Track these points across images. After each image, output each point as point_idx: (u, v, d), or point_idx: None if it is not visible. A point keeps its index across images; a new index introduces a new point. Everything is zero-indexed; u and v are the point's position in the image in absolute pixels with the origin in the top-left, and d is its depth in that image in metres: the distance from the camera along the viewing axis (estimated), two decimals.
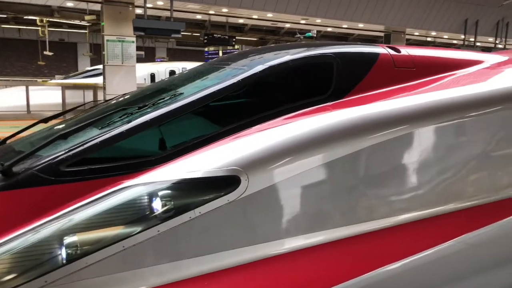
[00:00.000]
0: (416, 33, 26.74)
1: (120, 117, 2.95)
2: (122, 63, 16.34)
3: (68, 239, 2.03)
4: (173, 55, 36.32)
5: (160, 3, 16.92)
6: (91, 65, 27.84)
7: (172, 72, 27.06)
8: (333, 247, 2.33)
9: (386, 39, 25.18)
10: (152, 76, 26.68)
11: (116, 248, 1.99)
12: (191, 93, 3.02)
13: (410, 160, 2.60)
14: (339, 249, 2.34)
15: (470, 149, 2.81)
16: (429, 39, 28.87)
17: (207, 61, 4.15)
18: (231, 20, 25.63)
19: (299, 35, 32.00)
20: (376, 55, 3.43)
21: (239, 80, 3.04)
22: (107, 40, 16.21)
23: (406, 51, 3.56)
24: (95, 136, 2.78)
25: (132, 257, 2.02)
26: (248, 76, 3.07)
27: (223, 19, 24.73)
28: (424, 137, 2.62)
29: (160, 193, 2.19)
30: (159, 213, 2.13)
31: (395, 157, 2.56)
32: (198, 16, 22.87)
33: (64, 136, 2.73)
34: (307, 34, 30.58)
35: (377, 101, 2.92)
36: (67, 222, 2.17)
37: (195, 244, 2.14)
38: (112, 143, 2.74)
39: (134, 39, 16.56)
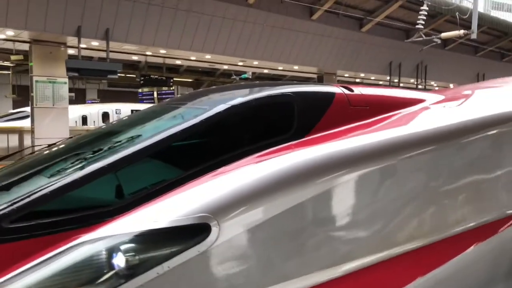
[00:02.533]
0: (346, 75, 28.29)
1: (72, 163, 2.74)
2: (53, 105, 15.45)
3: None
4: (104, 96, 35.27)
5: (95, 43, 16.42)
6: (14, 108, 26.25)
7: (105, 114, 26.12)
8: None
9: (318, 80, 26.33)
10: (84, 119, 25.58)
11: None
12: (150, 135, 2.85)
13: (377, 197, 2.60)
14: None
15: (427, 183, 2.87)
16: (357, 80, 30.66)
17: (162, 101, 4.11)
18: (167, 61, 25.52)
19: (235, 77, 32.61)
20: (332, 94, 3.48)
21: (201, 120, 2.92)
22: (36, 81, 15.32)
23: (359, 90, 3.67)
24: (43, 185, 2.51)
25: None
26: (211, 116, 2.96)
27: (159, 60, 24.56)
28: (389, 172, 2.66)
29: (121, 248, 1.97)
30: (122, 271, 1.92)
31: (363, 194, 2.54)
32: (134, 57, 22.51)
33: (6, 187, 2.50)
34: (243, 76, 31.20)
35: (339, 139, 2.94)
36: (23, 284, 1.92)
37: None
38: (64, 193, 2.48)
39: (66, 80, 15.85)
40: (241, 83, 4.18)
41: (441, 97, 4.19)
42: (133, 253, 1.97)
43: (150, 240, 2.04)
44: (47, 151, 3.60)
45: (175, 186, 2.48)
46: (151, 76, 22.04)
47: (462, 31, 18.21)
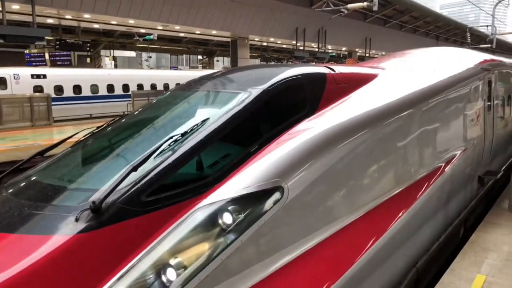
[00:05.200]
0: (257, 39, 29.63)
1: (169, 144, 2.98)
2: None
3: (174, 261, 2.40)
4: None
5: (15, 7, 15.14)
6: None
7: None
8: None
9: (232, 45, 27.26)
10: None
11: (217, 261, 2.45)
12: (216, 119, 3.20)
13: (386, 154, 3.87)
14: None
15: (404, 142, 4.17)
16: (264, 44, 32.15)
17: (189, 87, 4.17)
18: (64, 22, 23.79)
19: (137, 38, 31.81)
20: (325, 75, 3.99)
21: (246, 105, 3.30)
22: None
23: (338, 69, 4.21)
24: (159, 164, 2.81)
25: (231, 265, 2.51)
26: (253, 101, 3.35)
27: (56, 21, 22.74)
28: (390, 131, 3.92)
29: (231, 209, 2.62)
30: (237, 226, 2.59)
31: (379, 149, 3.74)
32: (50, 20, 20.85)
33: (135, 168, 2.71)
34: (147, 37, 30.60)
35: (346, 110, 3.71)
36: (166, 248, 2.47)
37: (266, 244, 2.70)
38: (178, 169, 2.83)
39: None
40: (245, 67, 4.68)
41: (388, 70, 5.15)
42: (237, 213, 2.61)
43: (245, 201, 2.68)
44: (124, 132, 3.80)
45: (245, 160, 3.01)
46: (67, 40, 20.65)
47: (365, 3, 20.50)
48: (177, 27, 22.76)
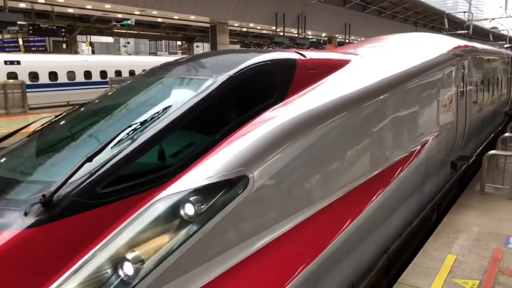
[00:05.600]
0: (236, 24, 29.38)
1: (127, 133, 2.88)
2: None
3: (131, 255, 2.31)
4: None
5: None
6: None
7: None
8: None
9: (212, 30, 26.98)
10: None
11: (176, 255, 2.37)
12: (179, 106, 3.10)
13: (353, 140, 3.82)
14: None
15: (382, 123, 4.24)
16: (244, 29, 31.92)
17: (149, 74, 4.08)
18: (36, 7, 23.08)
19: (115, 23, 31.18)
20: (295, 60, 3.89)
21: (210, 92, 3.20)
22: None
23: (309, 55, 4.12)
24: (116, 153, 2.70)
25: (192, 257, 2.42)
26: (219, 87, 3.25)
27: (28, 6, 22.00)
28: (360, 116, 3.90)
29: (192, 199, 2.53)
30: (199, 218, 2.51)
31: (348, 136, 3.73)
32: (22, 5, 20.22)
33: (89, 158, 2.59)
34: (124, 22, 30.04)
35: (316, 96, 3.65)
36: (123, 242, 2.38)
37: (228, 237, 2.63)
38: (136, 159, 2.71)
39: None
40: (213, 52, 4.52)
41: (360, 56, 5.16)
42: (200, 204, 2.54)
43: (208, 192, 2.60)
44: (81, 121, 3.62)
45: (209, 149, 2.92)
46: (41, 25, 20.07)
47: None
48: (154, 12, 22.39)
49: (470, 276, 3.95)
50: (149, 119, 2.98)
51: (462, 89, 6.74)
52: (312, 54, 4.21)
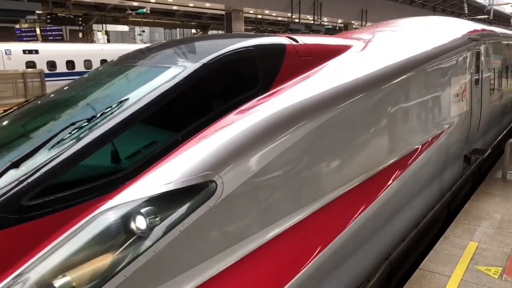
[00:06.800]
0: (251, 11, 29.15)
1: (69, 132, 2.48)
2: None
3: (60, 281, 1.88)
4: None
5: None
6: None
7: None
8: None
9: (227, 17, 26.83)
10: None
11: (119, 279, 1.93)
12: (138, 99, 2.67)
13: (349, 135, 3.31)
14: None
15: (387, 114, 3.78)
16: (259, 16, 31.67)
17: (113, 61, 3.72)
18: None
19: (130, 11, 31.25)
20: (284, 46, 3.46)
21: (178, 82, 2.77)
22: None
23: (302, 40, 3.69)
24: (51, 157, 2.28)
25: (139, 281, 1.99)
26: (188, 76, 2.82)
27: None
28: (357, 108, 3.36)
29: (142, 212, 2.08)
30: (152, 233, 2.06)
31: (339, 132, 3.19)
32: None
33: (15, 164, 2.23)
34: (140, 11, 30.06)
35: (304, 90, 3.16)
36: (52, 265, 1.95)
37: (189, 255, 2.16)
38: (75, 163, 2.28)
39: None
40: (189, 37, 4.04)
41: (360, 42, 4.60)
42: (153, 215, 2.08)
43: (165, 201, 2.16)
44: (24, 118, 3.18)
45: (171, 149, 2.48)
46: (58, 14, 20.23)
47: None
48: (170, 0, 22.32)
49: (493, 263, 3.90)
50: (98, 115, 2.57)
51: (477, 77, 6.28)
52: (306, 39, 3.80)
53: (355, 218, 3.24)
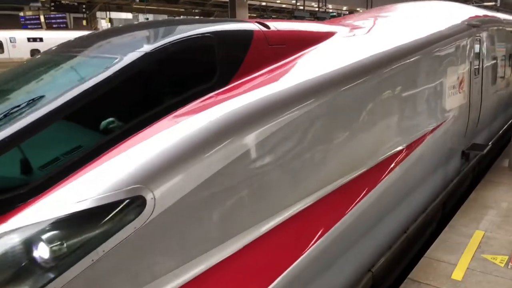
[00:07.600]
0: None
1: None
2: None
3: None
4: None
5: None
6: None
7: None
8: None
9: (230, 4, 26.58)
10: None
11: None
12: (57, 94, 2.24)
13: (315, 137, 2.84)
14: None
15: (370, 109, 3.38)
16: (263, 3, 31.36)
17: (54, 48, 3.15)
18: None
19: None
20: (251, 33, 3.02)
21: (114, 73, 2.34)
22: None
23: (274, 26, 3.28)
24: None
25: None
26: (125, 67, 2.39)
27: None
28: (326, 108, 2.91)
29: (44, 238, 1.69)
30: (49, 264, 1.68)
31: (301, 137, 2.73)
32: None
33: None
34: None
35: (268, 85, 2.74)
36: None
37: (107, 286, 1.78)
38: None
39: None
40: (140, 23, 3.52)
41: (350, 28, 4.24)
42: (59, 242, 1.69)
43: (76, 224, 1.77)
44: None
45: (95, 154, 2.05)
46: (62, 1, 20.12)
47: None
48: None
49: (499, 251, 3.91)
50: (2, 115, 2.18)
51: (476, 67, 5.85)
52: (280, 25, 3.35)
53: (333, 226, 2.92)
